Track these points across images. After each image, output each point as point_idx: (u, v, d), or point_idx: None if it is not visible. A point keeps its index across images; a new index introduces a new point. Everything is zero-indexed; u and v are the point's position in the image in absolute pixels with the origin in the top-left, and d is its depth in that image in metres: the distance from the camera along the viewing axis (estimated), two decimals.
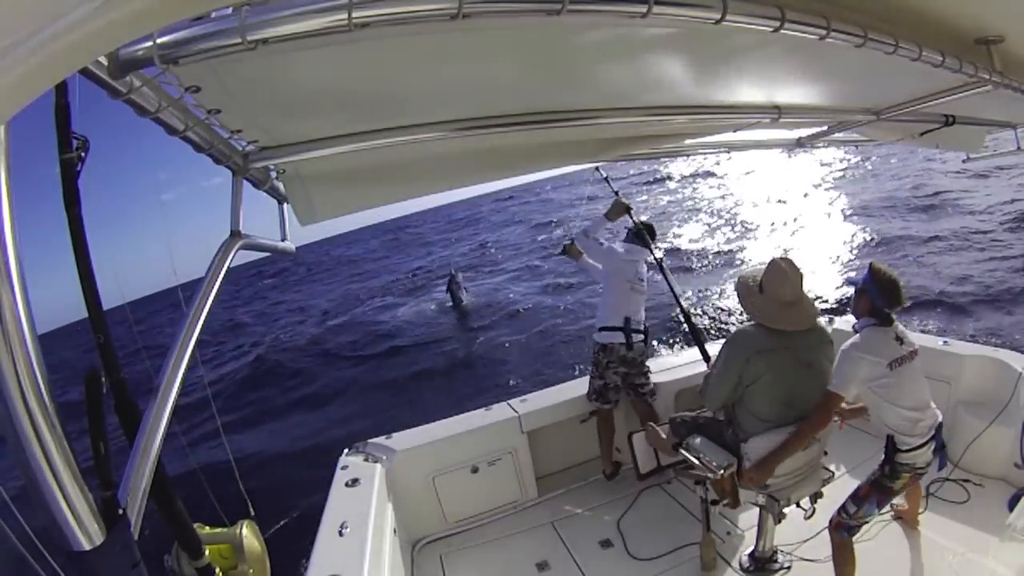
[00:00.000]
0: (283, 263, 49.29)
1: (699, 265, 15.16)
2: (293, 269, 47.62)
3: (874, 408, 2.32)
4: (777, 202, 22.30)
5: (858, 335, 2.33)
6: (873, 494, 2.29)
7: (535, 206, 44.04)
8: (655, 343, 8.79)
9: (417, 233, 54.35)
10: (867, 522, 2.33)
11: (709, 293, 12.26)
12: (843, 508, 2.35)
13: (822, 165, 27.17)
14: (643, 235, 3.55)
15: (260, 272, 50.87)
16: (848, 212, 17.45)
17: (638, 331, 3.50)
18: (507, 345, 11.55)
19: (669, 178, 38.05)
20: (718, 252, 16.23)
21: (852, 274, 2.59)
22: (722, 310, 10.84)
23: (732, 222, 20.44)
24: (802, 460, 2.40)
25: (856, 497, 2.33)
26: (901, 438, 2.24)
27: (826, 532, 2.69)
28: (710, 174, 34.41)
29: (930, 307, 8.82)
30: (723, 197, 27.10)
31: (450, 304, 15.77)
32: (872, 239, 13.51)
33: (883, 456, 2.31)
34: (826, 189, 22.77)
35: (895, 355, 2.23)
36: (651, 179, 39.44)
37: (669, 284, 3.66)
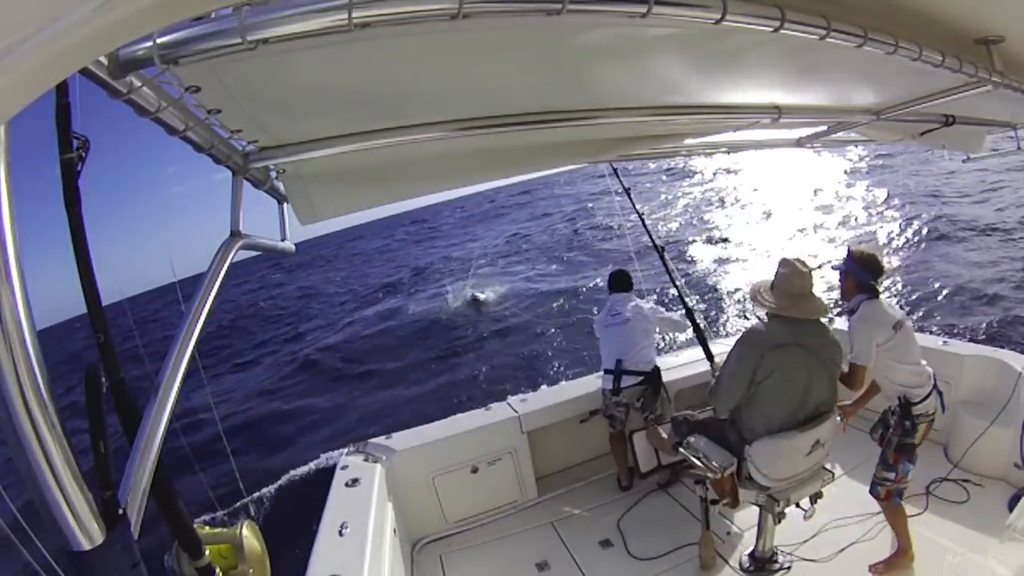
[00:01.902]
0: (300, 258, 49.09)
1: (715, 262, 15.05)
2: (310, 263, 47.50)
3: (886, 371, 2.50)
4: (798, 197, 21.77)
5: (859, 311, 2.51)
6: (902, 455, 2.49)
7: (551, 201, 43.35)
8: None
9: (432, 228, 54.06)
10: (909, 481, 2.51)
11: (730, 289, 12.26)
12: (881, 481, 2.51)
13: (848, 160, 26.57)
14: (619, 281, 3.59)
15: (276, 264, 50.47)
16: (873, 208, 17.21)
17: (633, 373, 3.27)
18: (527, 345, 11.55)
19: (692, 173, 37.21)
20: (741, 247, 16.15)
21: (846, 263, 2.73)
22: (743, 313, 10.79)
23: (755, 218, 20.19)
24: (805, 465, 2.40)
25: (889, 466, 2.50)
26: (912, 391, 2.46)
27: (826, 532, 2.71)
28: (730, 171, 33.70)
29: (946, 305, 8.81)
30: (754, 190, 26.55)
31: (472, 300, 15.72)
32: (893, 236, 13.47)
33: (897, 418, 2.50)
34: (850, 184, 22.11)
35: (895, 319, 2.49)
36: (678, 176, 38.66)
37: (672, 279, 3.58)
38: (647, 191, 32.08)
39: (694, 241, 17.75)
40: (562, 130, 1.61)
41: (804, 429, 2.31)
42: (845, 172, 24.32)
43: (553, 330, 11.92)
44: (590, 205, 29.07)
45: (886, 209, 16.36)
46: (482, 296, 15.79)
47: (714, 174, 34.42)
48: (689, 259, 15.64)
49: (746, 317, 10.39)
